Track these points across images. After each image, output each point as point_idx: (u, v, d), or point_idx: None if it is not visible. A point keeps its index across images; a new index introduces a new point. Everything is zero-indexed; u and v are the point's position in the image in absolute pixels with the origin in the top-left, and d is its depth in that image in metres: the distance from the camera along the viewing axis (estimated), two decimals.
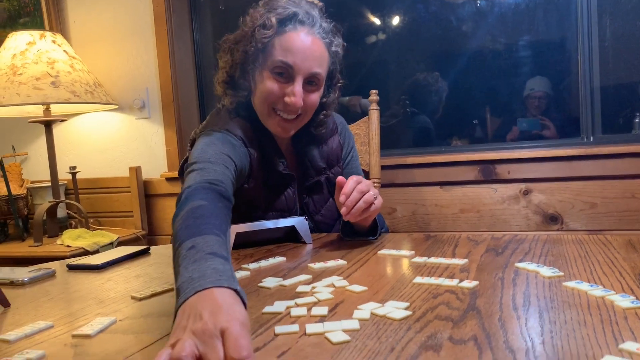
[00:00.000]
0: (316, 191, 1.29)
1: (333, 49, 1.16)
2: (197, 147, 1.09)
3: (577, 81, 1.95)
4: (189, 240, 0.71)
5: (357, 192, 1.02)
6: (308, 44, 1.10)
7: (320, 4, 1.19)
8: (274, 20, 1.10)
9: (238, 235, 1.12)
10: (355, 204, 1.02)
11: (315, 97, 1.16)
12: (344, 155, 1.36)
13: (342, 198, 1.02)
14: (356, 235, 1.17)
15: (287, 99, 1.11)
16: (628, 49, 1.91)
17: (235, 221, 1.14)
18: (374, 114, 1.75)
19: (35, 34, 2.10)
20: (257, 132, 1.19)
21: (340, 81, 1.26)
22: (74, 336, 0.66)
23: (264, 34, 1.10)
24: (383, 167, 1.84)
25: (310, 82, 1.14)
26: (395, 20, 2.20)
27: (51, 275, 1.01)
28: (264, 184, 1.21)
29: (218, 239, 0.73)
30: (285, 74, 1.11)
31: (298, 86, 1.11)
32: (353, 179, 1.04)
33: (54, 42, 2.12)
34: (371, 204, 1.04)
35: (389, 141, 2.13)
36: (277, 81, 1.12)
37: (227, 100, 1.21)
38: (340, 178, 1.04)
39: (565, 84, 2.02)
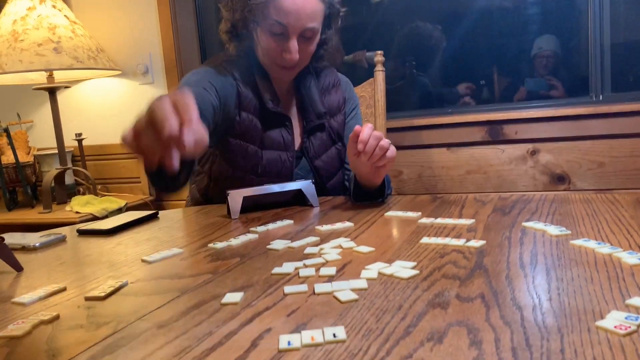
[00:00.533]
0: (317, 136, 1.33)
1: None
2: (184, 78, 1.24)
3: (587, 39, 1.91)
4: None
5: (373, 138, 1.03)
6: (300, 3, 1.15)
7: None
8: None
9: (245, 199, 1.12)
10: (373, 151, 1.04)
11: (311, 47, 1.23)
12: (347, 110, 1.39)
13: (360, 146, 1.03)
14: (367, 199, 1.18)
15: (284, 54, 1.19)
16: None
17: (237, 168, 1.26)
18: (380, 76, 1.73)
19: None
20: (255, 69, 1.27)
21: (343, 10, 1.28)
22: (86, 298, 0.67)
23: (258, 0, 1.16)
24: (389, 130, 1.83)
25: (305, 35, 1.19)
26: None
27: (62, 240, 1.02)
28: (259, 119, 1.25)
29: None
30: (281, 31, 1.17)
31: (293, 43, 1.18)
32: (368, 126, 1.05)
33: (54, 6, 2.09)
34: (387, 150, 1.05)
35: (390, 103, 2.11)
36: (274, 39, 1.19)
37: (232, 47, 1.29)
38: (357, 127, 1.05)
39: (574, 42, 1.98)
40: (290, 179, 1.28)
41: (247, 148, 1.24)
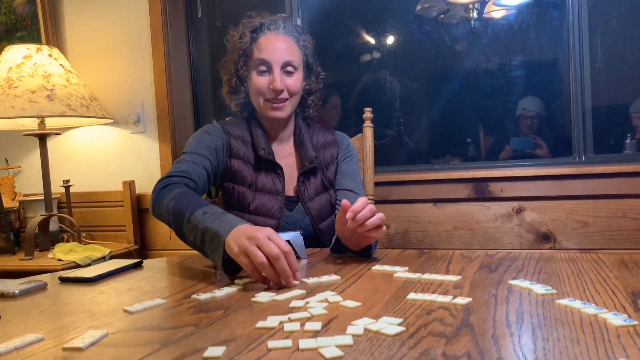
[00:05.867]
0: (311, 180, 1.42)
1: (301, 43, 1.42)
2: (187, 144, 1.38)
3: (569, 101, 1.97)
4: (199, 209, 1.05)
5: (368, 210, 1.05)
6: (276, 41, 1.38)
7: (285, 15, 1.51)
8: (247, 31, 1.39)
9: None
10: (365, 220, 1.05)
11: (293, 80, 1.38)
12: (340, 158, 1.49)
13: (349, 214, 1.04)
14: (347, 251, 1.18)
15: (271, 86, 1.35)
16: (619, 70, 1.94)
17: (231, 208, 1.37)
18: (368, 131, 1.76)
19: (31, 47, 2.11)
20: (252, 122, 1.43)
21: (322, 74, 1.50)
22: (64, 349, 0.65)
23: (242, 43, 1.39)
24: (377, 184, 1.84)
25: (287, 70, 1.37)
26: (390, 40, 2.23)
27: (42, 287, 1.00)
28: (251, 166, 1.39)
29: (218, 208, 1.07)
30: (266, 68, 1.36)
31: (276, 74, 1.35)
32: (362, 199, 1.06)
33: (50, 55, 2.13)
34: (381, 224, 1.07)
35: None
36: (262, 77, 1.37)
37: (232, 105, 1.48)
38: (345, 201, 1.06)
39: (557, 103, 2.04)
40: (280, 219, 1.35)
41: (239, 189, 1.37)
